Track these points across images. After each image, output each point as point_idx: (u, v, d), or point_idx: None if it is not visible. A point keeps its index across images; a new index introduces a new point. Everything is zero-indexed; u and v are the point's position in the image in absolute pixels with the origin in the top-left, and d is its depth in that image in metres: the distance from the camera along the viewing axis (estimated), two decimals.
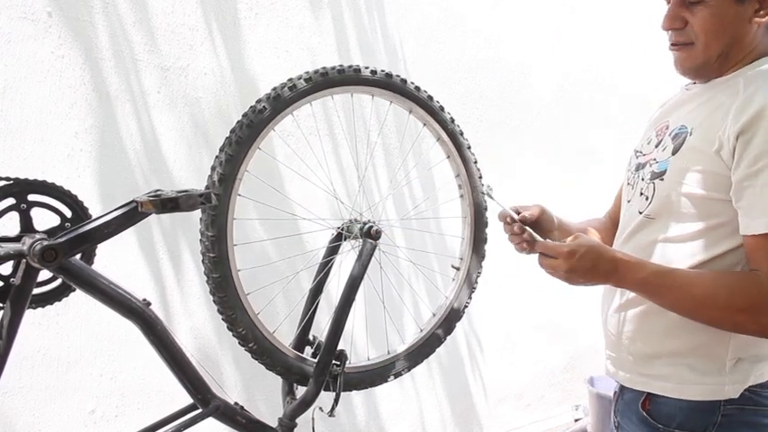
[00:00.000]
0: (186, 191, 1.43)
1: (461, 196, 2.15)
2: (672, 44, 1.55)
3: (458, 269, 2.15)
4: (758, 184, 1.34)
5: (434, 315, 2.12)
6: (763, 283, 1.34)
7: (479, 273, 2.16)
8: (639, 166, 1.61)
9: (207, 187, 1.66)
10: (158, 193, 1.44)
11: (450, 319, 2.12)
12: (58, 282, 1.53)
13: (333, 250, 1.93)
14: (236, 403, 1.73)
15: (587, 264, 1.45)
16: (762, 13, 1.46)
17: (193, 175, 2.44)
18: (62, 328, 2.19)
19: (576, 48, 4.07)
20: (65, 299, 1.56)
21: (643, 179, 1.57)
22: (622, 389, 1.63)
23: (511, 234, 1.73)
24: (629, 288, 1.50)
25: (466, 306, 2.15)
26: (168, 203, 1.39)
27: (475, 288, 2.17)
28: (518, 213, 1.75)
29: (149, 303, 1.54)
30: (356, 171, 2.74)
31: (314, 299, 1.95)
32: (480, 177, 2.16)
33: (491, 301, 3.42)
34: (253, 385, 2.56)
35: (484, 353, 3.56)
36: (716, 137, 1.40)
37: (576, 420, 3.83)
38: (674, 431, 1.47)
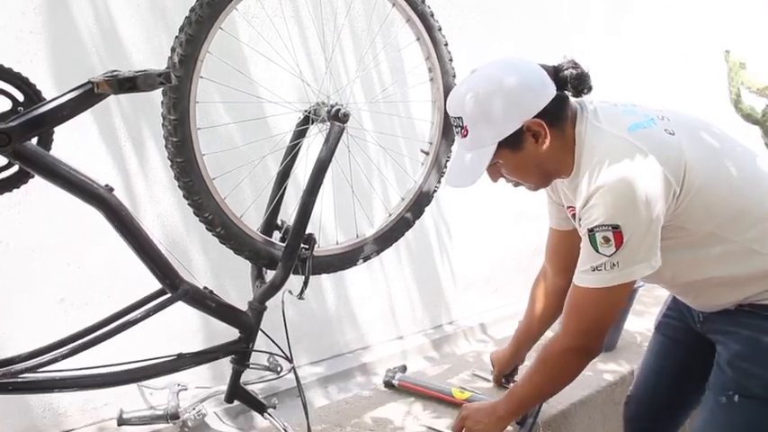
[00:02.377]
0: (144, 71, 1.38)
1: (431, 79, 2.12)
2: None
3: (427, 153, 2.14)
4: (582, 249, 1.72)
5: (403, 199, 2.12)
6: (558, 336, 1.84)
7: (449, 157, 2.16)
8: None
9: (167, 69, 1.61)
10: (115, 73, 1.39)
11: (420, 203, 2.13)
12: (15, 168, 1.49)
13: (300, 134, 1.90)
14: (205, 288, 1.74)
15: (480, 425, 2.00)
16: (540, 141, 1.69)
17: (153, 59, 2.34)
18: (24, 218, 2.15)
19: None
20: (24, 186, 1.53)
21: None
22: None
23: None
24: (513, 416, 2.03)
25: (435, 190, 2.16)
26: (126, 83, 1.34)
27: (444, 172, 2.16)
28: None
29: (112, 189, 1.51)
30: (323, 53, 2.65)
31: (281, 183, 1.94)
32: (451, 60, 2.12)
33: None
34: (222, 271, 2.57)
35: (452, 239, 3.60)
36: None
37: None
38: None
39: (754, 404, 1.73)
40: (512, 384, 2.13)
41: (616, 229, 1.59)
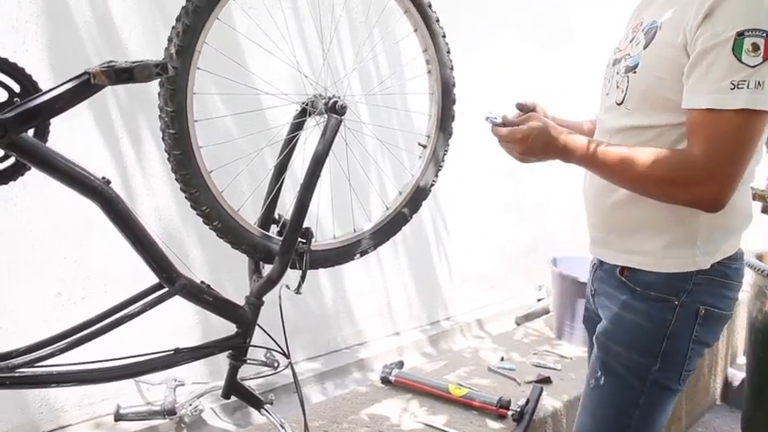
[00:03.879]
0: (141, 61, 1.36)
1: (429, 72, 2.11)
2: None
3: (424, 147, 2.13)
4: (706, 62, 1.43)
5: (401, 193, 2.11)
6: (696, 159, 1.45)
7: (446, 151, 2.14)
8: (616, 62, 1.70)
9: (164, 59, 1.59)
10: (111, 63, 1.37)
11: (417, 197, 2.12)
12: (12, 160, 1.47)
13: (297, 126, 1.89)
14: (202, 282, 1.73)
15: (538, 144, 1.62)
16: None
17: (150, 48, 2.32)
18: (22, 212, 2.13)
19: None
20: (21, 178, 1.51)
21: (618, 73, 1.66)
22: (602, 262, 1.76)
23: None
24: (576, 163, 1.62)
25: (432, 184, 2.14)
26: (122, 74, 1.33)
27: (441, 166, 2.15)
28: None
29: (109, 182, 1.50)
30: (320, 45, 2.64)
31: (278, 176, 1.92)
32: (449, 53, 2.10)
33: (457, 181, 3.42)
34: (219, 265, 2.56)
35: (450, 234, 3.60)
36: (681, 29, 1.47)
37: (539, 300, 3.93)
38: (650, 293, 1.61)
39: (617, 383, 1.69)
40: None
41: None
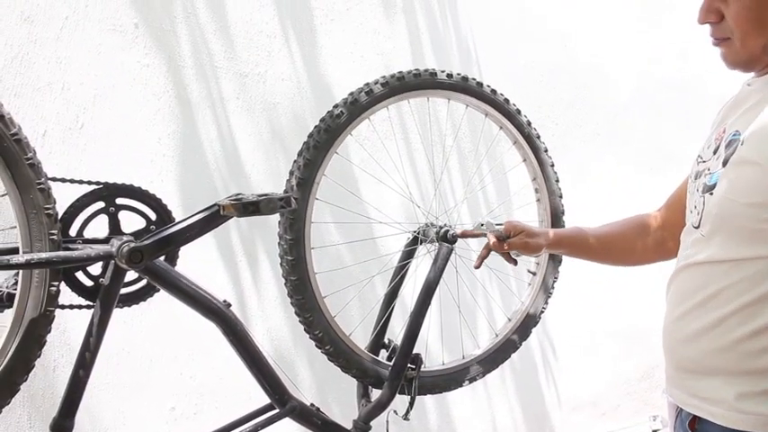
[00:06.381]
0: (266, 195, 1.46)
1: (538, 200, 2.13)
2: (712, 39, 1.44)
3: (534, 274, 2.13)
4: None
5: (510, 320, 2.10)
6: None
7: (556, 278, 2.13)
8: (697, 175, 1.46)
9: (285, 191, 1.69)
10: (239, 197, 1.47)
11: (526, 324, 2.10)
12: (144, 282, 1.58)
13: (408, 254, 1.93)
14: (311, 404, 1.75)
15: None
16: None
17: (271, 180, 2.48)
18: (145, 328, 2.26)
19: (654, 47, 3.96)
20: (149, 299, 1.61)
21: (697, 190, 1.43)
22: (680, 408, 1.50)
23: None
24: None
25: (542, 311, 2.12)
26: (249, 207, 1.42)
27: (551, 293, 2.14)
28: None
29: (230, 305, 1.58)
30: (431, 175, 2.73)
31: (389, 303, 1.96)
32: (557, 181, 2.13)
33: (567, 307, 3.35)
34: (326, 387, 2.59)
35: (558, 359, 3.50)
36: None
37: (654, 431, 3.73)
38: None
39: None
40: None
41: None
